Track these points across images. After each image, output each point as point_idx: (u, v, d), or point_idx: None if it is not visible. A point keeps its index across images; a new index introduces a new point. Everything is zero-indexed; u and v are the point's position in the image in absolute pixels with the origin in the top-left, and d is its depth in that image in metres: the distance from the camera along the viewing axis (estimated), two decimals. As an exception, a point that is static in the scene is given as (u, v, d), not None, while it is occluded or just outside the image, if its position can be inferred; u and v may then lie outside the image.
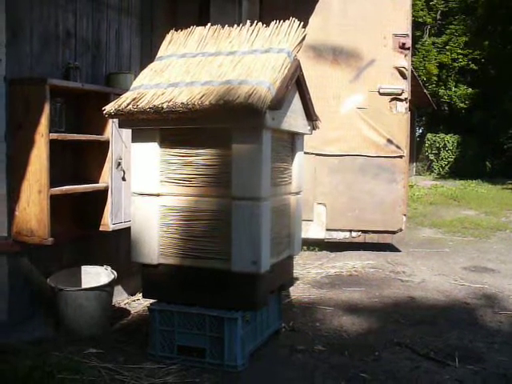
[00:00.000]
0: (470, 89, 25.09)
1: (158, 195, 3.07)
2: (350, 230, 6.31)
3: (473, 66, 25.07)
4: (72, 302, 3.40)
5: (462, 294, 4.62)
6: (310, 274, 5.27)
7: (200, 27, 3.36)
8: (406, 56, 6.14)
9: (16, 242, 3.30)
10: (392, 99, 6.16)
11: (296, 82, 3.17)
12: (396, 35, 6.12)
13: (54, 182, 3.29)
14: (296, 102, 3.25)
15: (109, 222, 3.69)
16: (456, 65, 25.15)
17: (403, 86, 6.13)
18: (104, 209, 3.69)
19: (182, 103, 2.81)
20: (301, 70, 3.18)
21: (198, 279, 3.03)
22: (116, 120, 3.33)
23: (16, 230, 3.30)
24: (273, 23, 3.21)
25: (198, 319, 3.01)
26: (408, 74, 6.17)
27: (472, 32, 25.04)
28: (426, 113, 26.31)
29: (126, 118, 3.03)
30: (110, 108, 3.00)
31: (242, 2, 5.31)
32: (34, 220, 3.25)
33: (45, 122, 3.19)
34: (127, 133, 3.49)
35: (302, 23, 3.20)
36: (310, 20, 6.05)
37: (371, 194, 6.19)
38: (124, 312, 3.98)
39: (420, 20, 24.44)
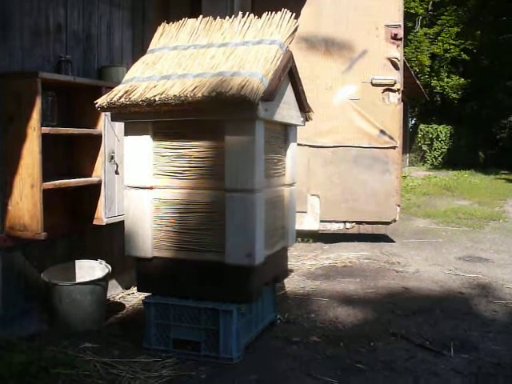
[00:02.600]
0: (463, 79, 25.08)
1: (151, 188, 3.06)
2: (344, 221, 6.32)
3: (465, 56, 25.03)
4: (66, 297, 3.39)
5: (456, 284, 4.64)
6: (304, 266, 5.28)
7: (192, 19, 3.35)
8: (398, 47, 6.13)
9: (9, 237, 3.28)
10: (385, 90, 6.16)
11: (288, 74, 3.16)
12: (388, 26, 6.11)
13: (46, 176, 3.26)
14: (289, 94, 3.24)
15: (102, 215, 3.67)
16: (448, 55, 25.11)
17: (396, 77, 6.13)
18: (97, 203, 3.67)
19: (174, 95, 2.79)
20: (293, 62, 3.17)
21: (193, 272, 3.02)
22: (108, 113, 3.30)
23: (9, 224, 3.28)
24: (265, 15, 3.20)
25: (193, 312, 3.01)
26: (400, 64, 6.17)
27: (464, 22, 25.03)
28: (419, 104, 26.31)
29: (119, 111, 3.02)
30: (102, 101, 2.98)
31: (233, -7, 5.29)
32: (26, 215, 3.23)
33: (36, 115, 3.17)
34: (120, 126, 3.47)
35: (294, 14, 3.19)
36: (302, 11, 6.03)
37: (365, 184, 6.19)
38: (119, 306, 3.98)
39: (412, 11, 24.40)
